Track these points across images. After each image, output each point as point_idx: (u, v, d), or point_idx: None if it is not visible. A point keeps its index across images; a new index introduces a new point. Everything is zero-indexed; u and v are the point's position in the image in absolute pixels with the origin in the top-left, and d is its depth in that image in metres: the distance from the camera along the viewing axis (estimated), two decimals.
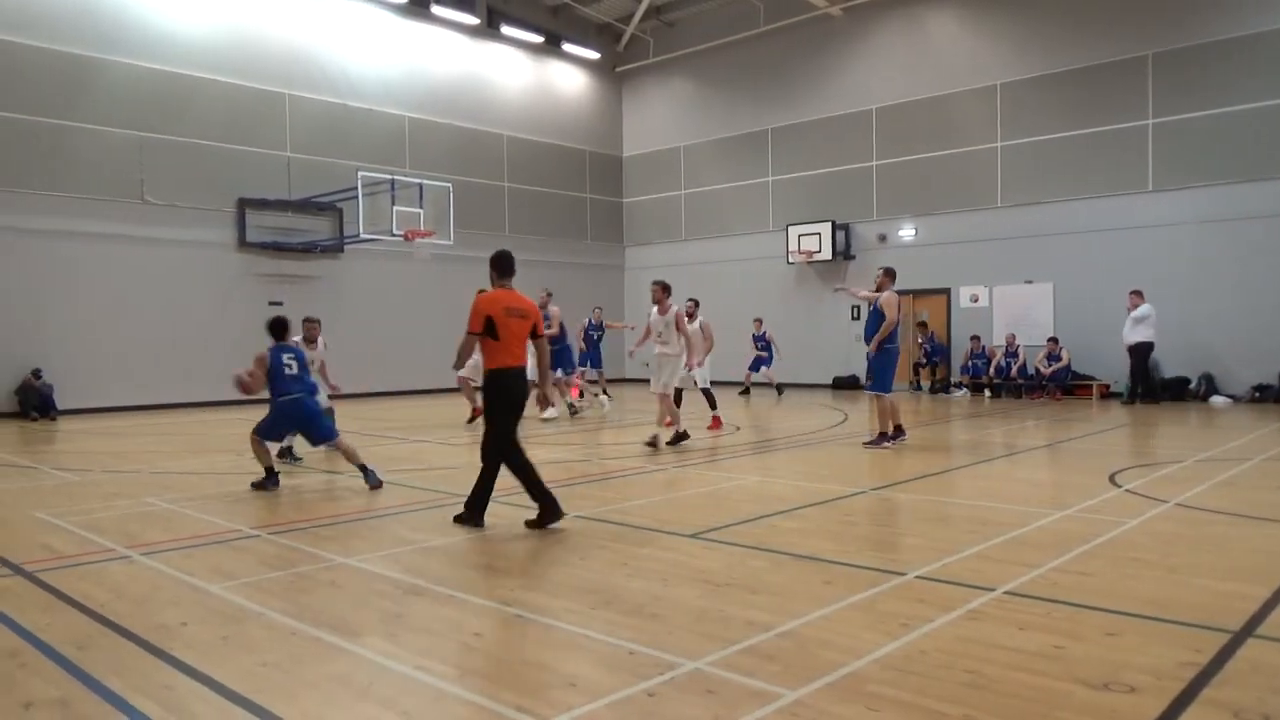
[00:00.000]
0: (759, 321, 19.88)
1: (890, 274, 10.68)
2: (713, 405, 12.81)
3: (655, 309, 10.85)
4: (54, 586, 4.88)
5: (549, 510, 6.19)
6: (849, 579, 4.82)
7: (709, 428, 12.51)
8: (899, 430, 10.43)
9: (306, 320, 10.35)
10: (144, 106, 17.18)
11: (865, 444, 10.41)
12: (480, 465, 6.35)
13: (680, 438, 10.67)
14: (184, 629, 4.12)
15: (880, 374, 10.40)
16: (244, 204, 18.50)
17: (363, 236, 18.05)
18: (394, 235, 17.77)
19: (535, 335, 6.56)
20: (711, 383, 13.05)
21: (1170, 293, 16.94)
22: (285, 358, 8.30)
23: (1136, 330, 16.13)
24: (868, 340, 10.54)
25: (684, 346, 10.78)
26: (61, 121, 16.27)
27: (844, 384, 21.18)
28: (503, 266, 6.68)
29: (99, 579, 5.05)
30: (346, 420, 14.48)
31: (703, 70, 24.62)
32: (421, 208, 18.24)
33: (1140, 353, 16.19)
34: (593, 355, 16.97)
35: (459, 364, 6.70)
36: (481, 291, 7.08)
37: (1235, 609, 4.19)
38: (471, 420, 13.43)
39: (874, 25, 21.39)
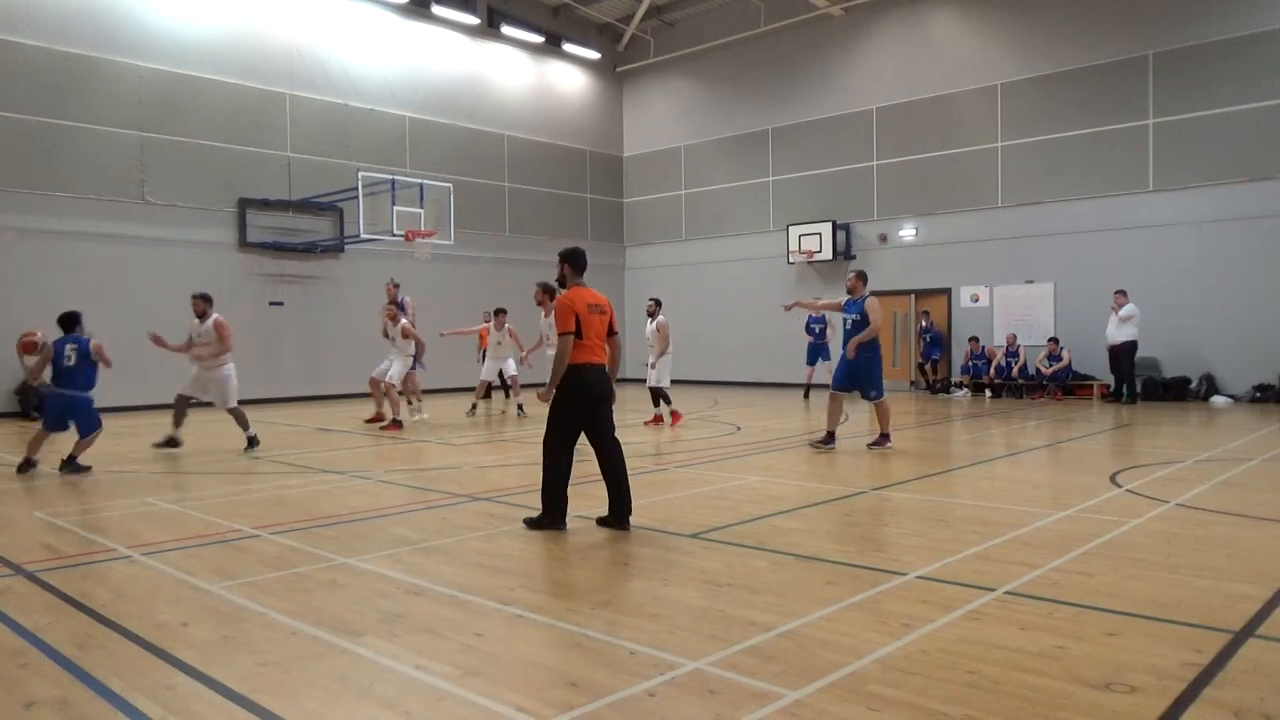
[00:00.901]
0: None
1: (863, 277, 10.49)
2: (659, 403, 13.25)
3: (542, 312, 10.30)
4: (55, 586, 4.88)
5: (553, 520, 6.14)
6: (850, 579, 4.82)
7: (647, 423, 13.17)
8: (831, 437, 10.34)
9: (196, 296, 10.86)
10: (145, 107, 17.19)
11: (868, 445, 10.38)
12: (542, 464, 6.18)
13: None
14: (185, 629, 4.12)
15: (878, 379, 10.35)
16: (245, 204, 18.51)
17: (363, 237, 18.06)
18: (394, 235, 17.77)
19: (612, 332, 6.41)
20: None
21: (1171, 293, 16.95)
22: (67, 349, 8.97)
23: (1122, 330, 16.19)
24: (846, 346, 10.40)
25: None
26: (62, 122, 16.27)
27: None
28: (577, 263, 6.53)
29: (100, 579, 5.05)
30: (346, 419, 14.51)
31: (703, 70, 24.62)
32: (422, 208, 18.25)
33: (1126, 352, 16.25)
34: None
35: (556, 375, 6.17)
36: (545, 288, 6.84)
37: (1236, 609, 4.18)
38: (371, 421, 13.69)
39: (875, 25, 21.39)
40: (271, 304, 18.93)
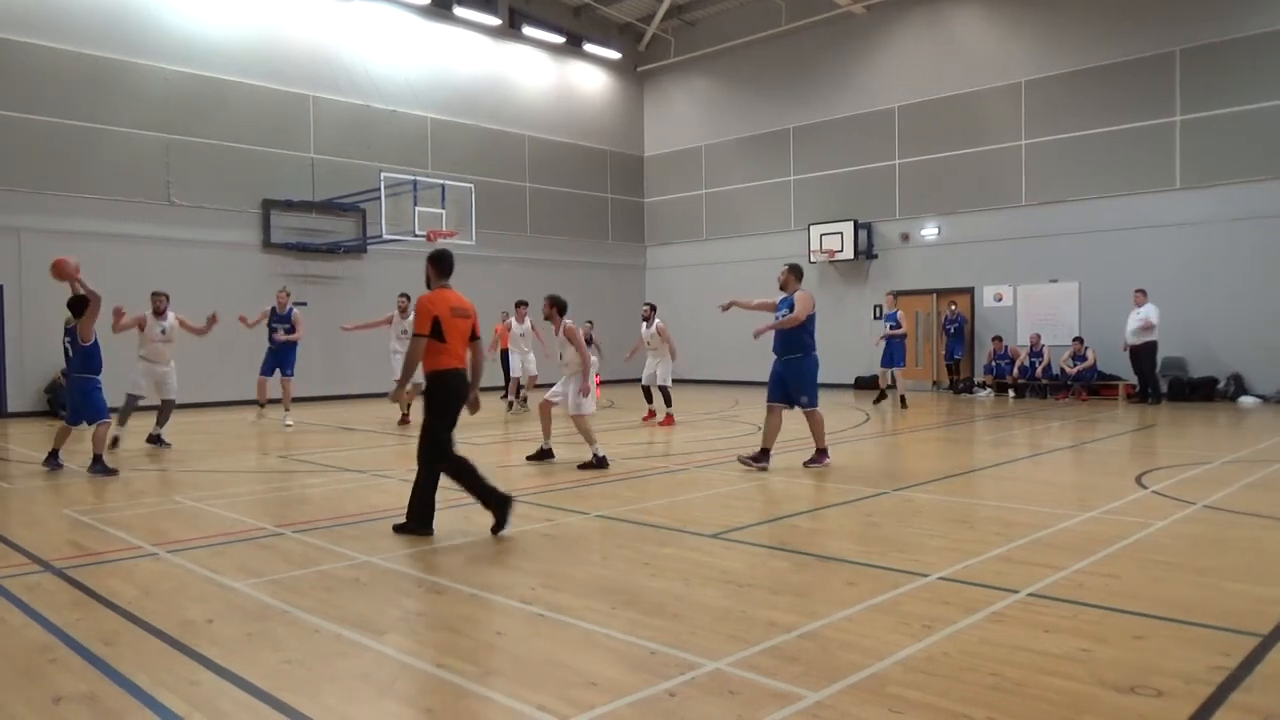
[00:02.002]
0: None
1: (795, 271, 9.18)
2: (667, 403, 13.75)
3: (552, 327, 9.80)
4: (83, 583, 4.94)
5: (500, 514, 6.03)
6: (872, 580, 4.79)
7: (644, 419, 13.79)
8: (765, 454, 8.92)
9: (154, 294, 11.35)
10: (170, 109, 17.38)
11: (805, 463, 9.00)
12: (418, 471, 6.14)
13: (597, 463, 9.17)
14: (210, 626, 4.17)
15: (809, 385, 8.91)
16: (269, 205, 18.67)
17: (385, 237, 18.18)
18: (416, 236, 17.88)
19: (474, 337, 6.37)
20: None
21: (1199, 292, 16.73)
22: (64, 340, 9.18)
23: (1145, 330, 16.05)
24: (784, 351, 8.94)
25: (578, 360, 9.46)
26: (89, 124, 16.49)
27: (866, 384, 21.05)
28: (442, 265, 6.44)
29: (127, 576, 5.11)
30: (370, 418, 14.61)
31: (724, 69, 24.57)
32: (444, 208, 18.34)
33: (1146, 353, 16.14)
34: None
35: (406, 376, 6.33)
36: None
37: (1265, 613, 4.13)
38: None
39: (897, 23, 21.26)
40: (295, 304, 19.05)
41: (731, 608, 4.32)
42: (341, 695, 3.35)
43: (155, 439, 11.10)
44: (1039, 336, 18.38)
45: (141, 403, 11.23)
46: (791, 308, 8.80)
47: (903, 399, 16.24)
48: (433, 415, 6.13)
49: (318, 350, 19.23)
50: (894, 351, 16.65)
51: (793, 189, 23.17)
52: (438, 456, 6.11)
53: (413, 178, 18.20)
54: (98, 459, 9.04)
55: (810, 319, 8.87)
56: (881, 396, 16.96)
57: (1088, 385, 17.61)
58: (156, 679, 3.51)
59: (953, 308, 19.76)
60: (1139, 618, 4.09)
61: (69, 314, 9.21)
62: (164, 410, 11.26)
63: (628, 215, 26.40)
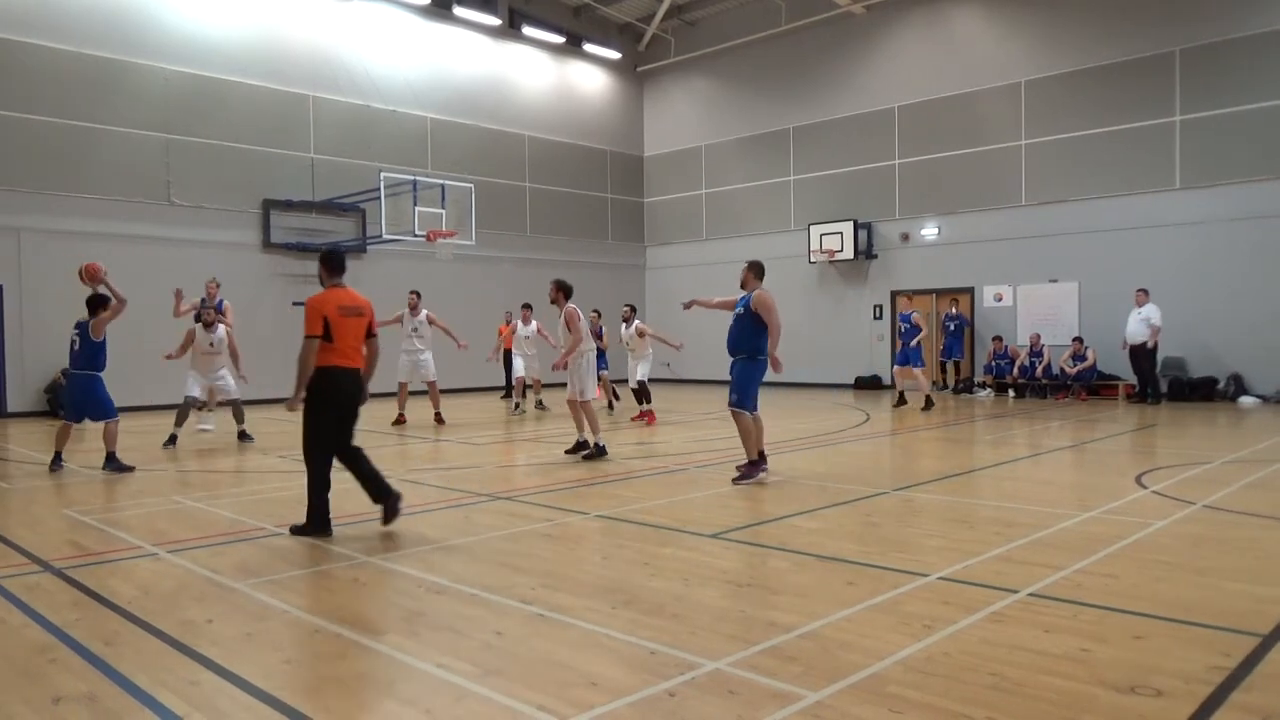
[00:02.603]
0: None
1: (754, 268, 8.50)
2: (647, 400, 14.14)
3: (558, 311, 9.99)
4: (82, 583, 4.94)
5: (388, 508, 6.05)
6: (871, 580, 4.79)
7: (633, 418, 13.92)
8: (762, 457, 8.19)
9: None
10: (170, 109, 17.39)
11: (734, 480, 8.07)
12: (307, 472, 6.12)
13: (581, 448, 9.65)
14: (209, 625, 4.17)
15: (746, 387, 8.11)
16: (269, 205, 18.68)
17: (385, 237, 18.17)
18: (416, 236, 17.87)
19: (370, 334, 6.33)
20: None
21: (1198, 292, 16.74)
22: (73, 334, 9.02)
23: (1140, 330, 16.06)
24: (734, 350, 8.25)
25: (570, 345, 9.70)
26: (89, 124, 16.50)
27: (866, 384, 21.07)
28: (331, 264, 6.41)
29: (126, 576, 5.11)
30: (369, 419, 14.58)
31: (724, 69, 24.57)
32: (444, 208, 18.33)
33: (1145, 353, 16.11)
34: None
35: (301, 379, 6.04)
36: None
37: (1265, 613, 4.13)
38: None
39: (896, 23, 21.26)
40: (295, 304, 19.04)
41: (731, 608, 4.32)
42: (341, 695, 3.35)
43: (241, 435, 11.66)
44: (1039, 336, 18.38)
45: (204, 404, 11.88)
46: (747, 306, 8.18)
47: (928, 400, 15.53)
48: (313, 413, 6.08)
49: None
50: (911, 352, 15.95)
51: (793, 189, 23.17)
52: (320, 454, 6.07)
53: (413, 178, 18.20)
54: (111, 456, 9.06)
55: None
56: (901, 400, 16.50)
57: (1087, 385, 17.61)
58: (156, 679, 3.51)
59: (955, 306, 19.75)
60: (1139, 617, 4.09)
61: (86, 311, 9.12)
62: (235, 410, 11.71)
63: (627, 215, 26.40)
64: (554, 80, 24.40)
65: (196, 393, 11.45)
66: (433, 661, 3.66)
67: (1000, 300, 19.66)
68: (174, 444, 11.05)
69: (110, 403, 9.22)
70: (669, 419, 14.27)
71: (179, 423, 11.33)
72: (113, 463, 9.05)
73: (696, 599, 4.48)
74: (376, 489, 6.13)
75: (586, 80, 25.28)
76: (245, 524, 6.50)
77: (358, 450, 6.23)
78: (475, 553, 5.58)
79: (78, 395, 9.17)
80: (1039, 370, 18.13)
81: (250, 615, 4.33)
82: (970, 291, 20.12)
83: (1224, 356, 16.63)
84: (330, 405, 6.09)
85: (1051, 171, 18.78)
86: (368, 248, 19.72)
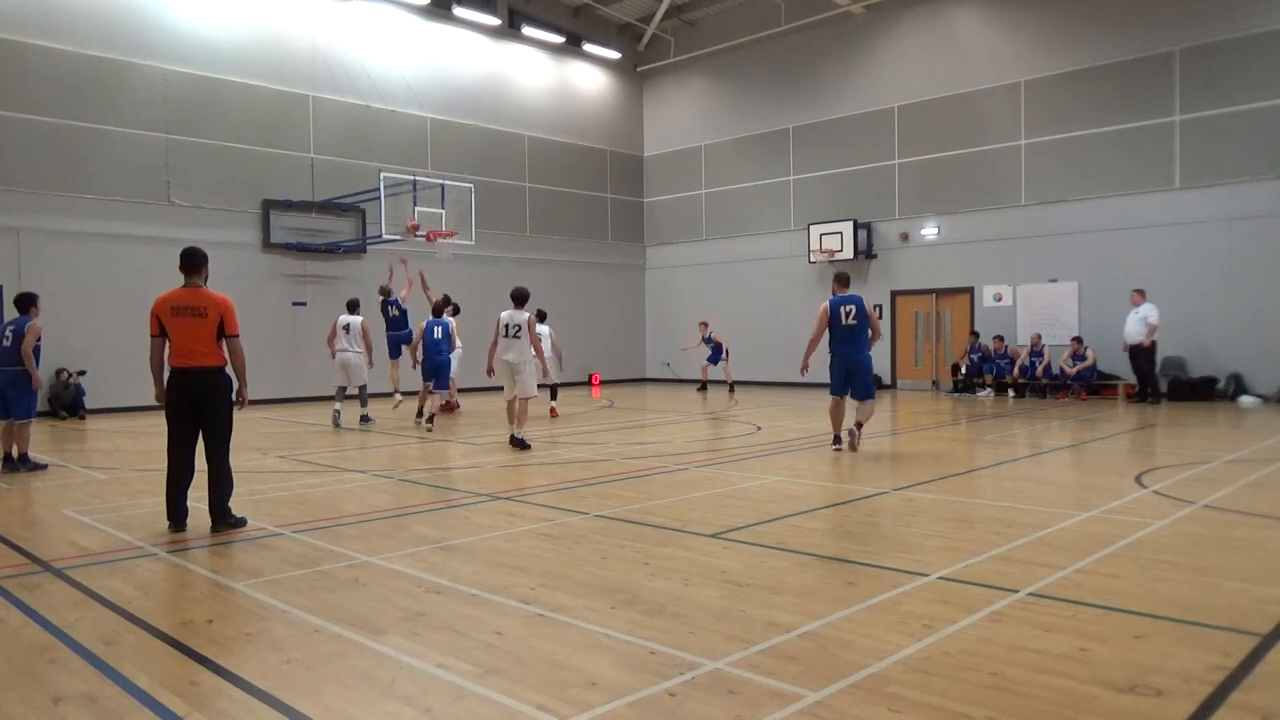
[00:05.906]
0: (704, 325, 19.96)
1: (841, 279, 10.63)
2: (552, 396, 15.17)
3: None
4: (82, 583, 4.94)
5: (175, 524, 6.23)
6: (871, 580, 4.79)
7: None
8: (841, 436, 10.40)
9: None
10: (170, 109, 17.39)
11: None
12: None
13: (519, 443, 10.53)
14: (209, 626, 4.17)
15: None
16: (268, 205, 18.68)
17: (385, 237, 18.17)
18: (416, 236, 17.86)
19: (223, 334, 6.27)
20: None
21: (1198, 291, 16.74)
22: (7, 330, 9.15)
23: (1139, 330, 16.07)
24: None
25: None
26: (89, 124, 16.50)
27: None
28: (182, 263, 6.36)
29: (127, 576, 5.11)
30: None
31: (724, 69, 24.57)
32: (443, 208, 18.34)
33: (1147, 353, 16.11)
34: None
35: (153, 379, 6.34)
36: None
37: (1265, 612, 4.13)
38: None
39: (896, 23, 21.27)
40: (295, 304, 19.09)
41: (731, 607, 4.32)
42: (341, 695, 3.35)
43: (364, 418, 13.56)
44: (1039, 336, 18.38)
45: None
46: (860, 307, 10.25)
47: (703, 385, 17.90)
48: (166, 412, 6.29)
49: (317, 351, 19.23)
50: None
51: (792, 189, 23.17)
52: (170, 450, 6.26)
53: (412, 178, 18.20)
54: (24, 456, 9.24)
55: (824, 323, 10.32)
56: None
57: (1087, 385, 17.61)
58: (156, 679, 3.51)
59: (975, 333, 19.53)
60: (1138, 617, 4.09)
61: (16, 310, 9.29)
62: (361, 394, 13.82)
63: (627, 215, 26.40)
64: (554, 80, 24.40)
65: (340, 379, 13.47)
66: (433, 661, 3.66)
67: (1000, 300, 19.66)
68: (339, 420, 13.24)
69: (34, 404, 9.38)
70: (669, 419, 14.26)
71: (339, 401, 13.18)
72: (25, 462, 9.25)
73: (696, 599, 4.48)
74: (213, 507, 6.29)
75: (586, 80, 25.28)
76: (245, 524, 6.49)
77: (220, 451, 6.31)
78: (475, 553, 5.58)
79: (24, 390, 9.22)
80: (1039, 370, 18.12)
81: (250, 615, 4.33)
82: (970, 291, 20.13)
83: (1223, 356, 16.63)
84: (174, 404, 6.23)
85: (1051, 171, 18.78)
86: (367, 248, 19.72)
